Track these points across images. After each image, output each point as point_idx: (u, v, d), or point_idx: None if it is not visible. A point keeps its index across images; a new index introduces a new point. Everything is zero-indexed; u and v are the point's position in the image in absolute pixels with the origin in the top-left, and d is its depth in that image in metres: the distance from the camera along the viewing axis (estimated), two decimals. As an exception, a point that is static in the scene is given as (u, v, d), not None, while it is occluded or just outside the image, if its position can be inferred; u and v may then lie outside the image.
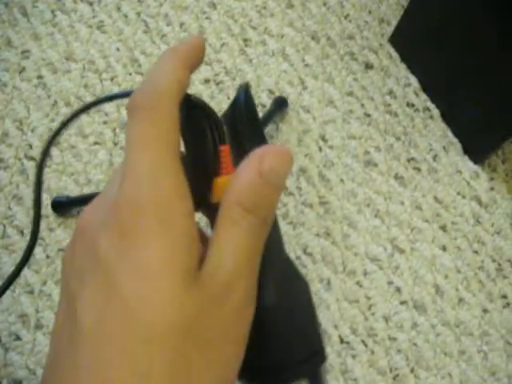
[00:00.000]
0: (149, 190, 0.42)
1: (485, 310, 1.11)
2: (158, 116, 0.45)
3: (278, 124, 1.18)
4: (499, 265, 1.14)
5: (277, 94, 1.21)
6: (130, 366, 0.39)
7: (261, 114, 1.15)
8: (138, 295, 0.40)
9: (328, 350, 1.05)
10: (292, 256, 1.10)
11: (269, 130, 1.17)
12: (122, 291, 0.40)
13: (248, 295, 0.46)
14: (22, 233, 1.07)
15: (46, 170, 1.11)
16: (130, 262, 0.40)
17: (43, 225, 1.07)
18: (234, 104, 0.62)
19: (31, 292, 1.03)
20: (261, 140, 0.63)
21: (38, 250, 1.06)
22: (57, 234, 1.07)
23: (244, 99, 0.62)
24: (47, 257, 1.06)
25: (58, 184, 1.10)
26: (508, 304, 1.12)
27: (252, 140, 0.60)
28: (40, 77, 1.18)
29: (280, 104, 1.18)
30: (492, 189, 1.19)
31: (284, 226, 1.12)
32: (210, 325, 0.42)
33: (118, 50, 1.21)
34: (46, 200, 1.09)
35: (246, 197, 0.45)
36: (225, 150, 0.52)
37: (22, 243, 1.06)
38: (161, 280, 0.41)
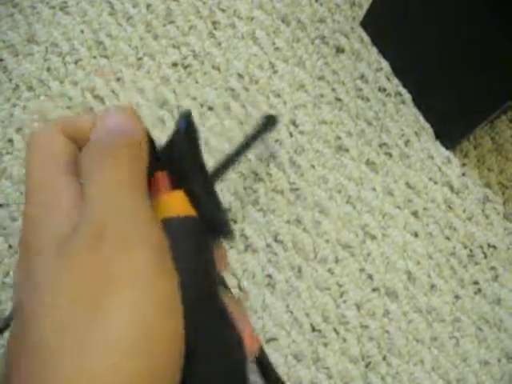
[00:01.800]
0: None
1: (456, 297, 1.10)
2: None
3: (268, 145, 1.15)
4: (471, 251, 1.13)
5: (246, 78, 1.19)
6: None
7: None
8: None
9: (299, 338, 1.04)
10: (262, 244, 1.08)
11: (257, 152, 1.14)
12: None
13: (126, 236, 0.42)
14: (-18, 222, 1.03)
15: (8, 157, 1.07)
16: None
17: (4, 213, 1.03)
18: (175, 137, 0.56)
19: (-7, 283, 1.00)
20: (203, 175, 0.57)
21: (-1, 240, 1.02)
22: (20, 223, 1.03)
23: (184, 134, 0.55)
24: (10, 247, 1.02)
25: (21, 171, 1.06)
26: (479, 290, 1.11)
27: (193, 176, 0.55)
28: (0, 59, 1.14)
29: (267, 124, 1.07)
30: (464, 174, 1.18)
31: (254, 213, 1.10)
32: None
33: (82, 32, 1.17)
34: (7, 188, 1.05)
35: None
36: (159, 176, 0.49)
37: (-18, 233, 1.02)
38: None
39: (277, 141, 1.15)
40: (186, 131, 0.52)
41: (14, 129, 1.09)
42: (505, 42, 0.99)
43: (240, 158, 0.98)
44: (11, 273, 1.00)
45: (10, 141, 1.08)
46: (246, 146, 1.00)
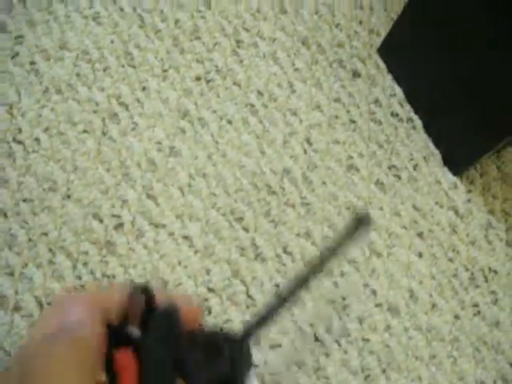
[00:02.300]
0: None
1: (456, 317, 1.14)
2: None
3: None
4: (472, 274, 1.17)
5: (265, 95, 1.24)
6: None
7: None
8: None
9: (302, 347, 1.07)
10: (272, 254, 1.12)
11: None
12: None
13: None
14: (5, 215, 1.07)
15: (34, 155, 1.12)
16: None
17: (27, 208, 1.08)
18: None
19: (11, 274, 1.04)
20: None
21: (20, 233, 1.06)
22: (41, 217, 1.08)
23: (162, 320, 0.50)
24: (29, 240, 1.06)
25: (45, 169, 1.11)
26: (479, 312, 1.15)
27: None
28: (33, 63, 1.19)
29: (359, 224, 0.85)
30: (469, 200, 1.23)
31: (265, 225, 1.14)
32: None
33: (112, 42, 1.23)
34: (31, 184, 1.10)
35: None
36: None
37: (4, 225, 1.06)
38: None
39: (291, 157, 1.19)
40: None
41: (42, 129, 1.14)
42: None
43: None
44: (30, 264, 1.04)
45: (37, 140, 1.13)
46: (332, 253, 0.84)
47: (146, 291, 0.49)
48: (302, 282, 0.77)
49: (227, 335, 0.53)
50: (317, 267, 0.78)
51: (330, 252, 0.78)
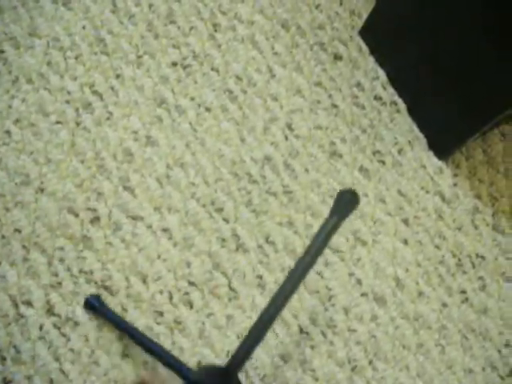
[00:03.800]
0: None
1: (444, 305, 1.12)
2: None
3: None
4: (459, 260, 1.15)
5: (244, 80, 1.20)
6: None
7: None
8: None
9: (287, 339, 1.05)
10: (254, 244, 1.09)
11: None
12: None
13: None
14: (-24, 211, 1.03)
15: (4, 148, 1.08)
16: None
17: (0, 204, 1.04)
18: None
19: (-16, 272, 1.00)
20: None
21: (-8, 230, 1.02)
22: (13, 213, 1.04)
23: None
24: (2, 237, 1.03)
25: (17, 162, 1.07)
26: (466, 299, 1.13)
27: None
28: (1, 51, 1.14)
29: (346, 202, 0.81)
30: (455, 185, 1.20)
31: (246, 215, 1.11)
32: None
33: (83, 28, 1.18)
34: (2, 178, 1.06)
35: None
36: None
37: (-24, 222, 1.03)
38: None
39: (272, 143, 1.16)
40: None
41: (12, 120, 1.10)
42: (499, 56, 1.01)
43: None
44: (3, 262, 1.01)
45: (8, 132, 1.09)
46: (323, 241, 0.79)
47: None
48: (286, 296, 0.77)
49: (211, 374, 0.54)
50: (304, 268, 0.78)
51: (319, 242, 0.78)
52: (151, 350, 0.96)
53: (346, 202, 0.80)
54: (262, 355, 1.03)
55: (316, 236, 0.78)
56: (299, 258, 0.77)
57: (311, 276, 1.08)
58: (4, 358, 0.97)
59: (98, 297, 1.01)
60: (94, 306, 1.00)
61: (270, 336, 1.04)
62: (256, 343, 0.73)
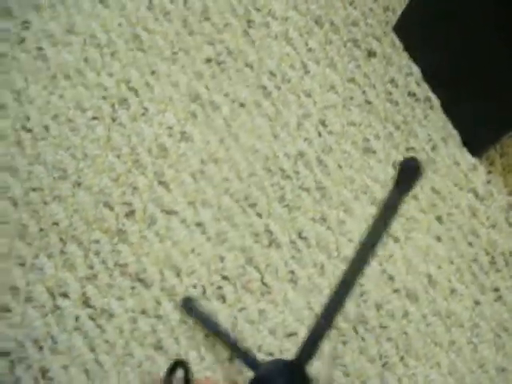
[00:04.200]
0: None
1: (476, 302, 1.11)
2: None
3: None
4: (493, 258, 1.14)
5: (278, 76, 1.20)
6: None
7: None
8: None
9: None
10: (286, 240, 1.09)
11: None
12: None
13: None
14: (15, 205, 1.06)
15: (43, 143, 1.10)
16: None
17: (37, 197, 1.06)
18: None
19: (22, 264, 1.02)
20: None
21: (31, 223, 1.05)
22: (51, 207, 1.06)
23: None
24: (40, 230, 1.05)
25: (55, 157, 1.09)
26: (500, 297, 1.12)
27: None
28: (40, 48, 1.16)
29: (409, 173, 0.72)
30: (489, 182, 1.19)
31: (279, 210, 1.11)
32: None
33: (120, 25, 1.20)
34: (41, 173, 1.08)
35: None
36: None
37: (15, 215, 1.05)
38: None
39: (306, 140, 1.16)
40: None
41: (50, 116, 1.12)
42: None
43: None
44: (41, 254, 1.03)
45: (46, 127, 1.11)
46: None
47: None
48: (351, 282, 0.75)
49: (279, 367, 0.56)
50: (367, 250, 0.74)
51: (382, 221, 0.71)
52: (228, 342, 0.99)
53: (411, 171, 0.70)
54: (293, 350, 1.03)
55: (381, 210, 0.71)
56: (364, 237, 0.72)
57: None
58: (41, 348, 0.99)
59: (191, 300, 1.03)
60: (190, 307, 1.03)
61: (302, 331, 1.05)
62: (322, 334, 0.73)
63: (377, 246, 0.72)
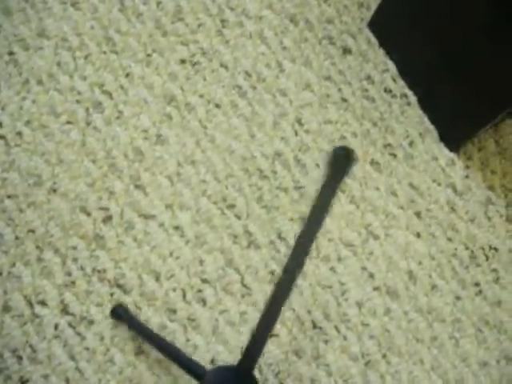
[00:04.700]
0: None
1: (457, 298, 1.11)
2: None
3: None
4: (472, 252, 1.14)
5: (253, 76, 1.20)
6: None
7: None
8: None
9: (300, 335, 1.05)
10: (266, 240, 1.09)
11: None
12: None
13: None
14: (-10, 213, 1.04)
15: (16, 150, 1.08)
16: None
17: (12, 205, 1.05)
18: None
19: (-1, 273, 1.01)
20: None
21: (6, 231, 1.03)
22: (27, 214, 1.05)
23: None
24: (16, 237, 1.03)
25: (29, 164, 1.08)
26: (480, 292, 1.12)
27: None
28: (11, 53, 1.15)
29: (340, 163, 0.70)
30: (467, 177, 1.19)
31: (258, 211, 1.11)
32: None
33: (92, 27, 1.19)
34: (15, 180, 1.06)
35: None
36: None
37: (-10, 223, 1.04)
38: None
39: (282, 139, 1.16)
40: None
41: (23, 122, 1.10)
42: (510, 47, 1.00)
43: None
44: (18, 263, 1.02)
45: (19, 133, 1.09)
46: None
47: None
48: (291, 279, 0.73)
49: (226, 374, 0.56)
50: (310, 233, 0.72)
51: (320, 205, 0.68)
52: (166, 351, 0.96)
53: (341, 161, 0.67)
54: (275, 351, 1.03)
55: (315, 204, 0.68)
56: (299, 232, 0.70)
57: (324, 271, 1.08)
58: (20, 358, 0.98)
59: (123, 307, 1.02)
60: (121, 316, 1.00)
61: (283, 332, 1.04)
62: (265, 337, 0.72)
63: (313, 242, 0.70)
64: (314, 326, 1.06)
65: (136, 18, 1.21)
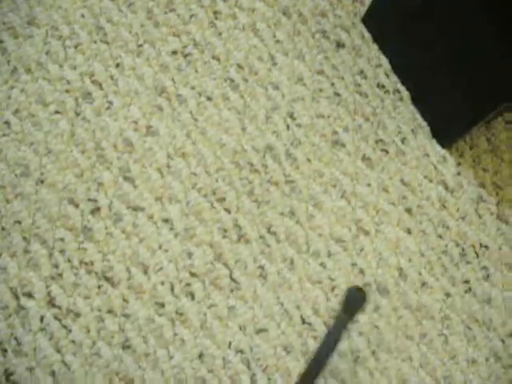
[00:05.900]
0: None
1: (447, 295, 1.11)
2: None
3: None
4: (463, 250, 1.14)
5: (245, 69, 1.19)
6: None
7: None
8: None
9: (289, 330, 1.04)
10: (255, 235, 1.08)
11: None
12: None
13: None
14: (-24, 203, 1.03)
15: (4, 139, 1.07)
16: None
17: (0, 196, 1.03)
18: None
19: (-15, 264, 1.00)
20: None
21: (-8, 221, 1.02)
22: (13, 205, 1.03)
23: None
24: (2, 229, 1.02)
25: (17, 154, 1.06)
26: (470, 289, 1.12)
27: None
28: (0, 41, 1.13)
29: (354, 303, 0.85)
30: (459, 174, 1.19)
31: (248, 205, 1.10)
32: None
33: (82, 16, 1.17)
34: (2, 170, 1.05)
35: None
36: None
37: (-24, 213, 1.02)
38: None
39: (274, 132, 1.15)
40: None
41: (11, 111, 1.09)
42: (503, 45, 0.99)
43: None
44: (3, 254, 1.00)
45: (7, 123, 1.08)
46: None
47: None
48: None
49: None
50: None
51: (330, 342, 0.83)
52: None
53: (355, 299, 0.84)
54: (264, 346, 1.02)
55: (327, 336, 0.82)
56: (310, 360, 0.83)
57: (313, 266, 1.08)
58: (5, 350, 0.96)
59: None
60: None
61: (272, 327, 1.03)
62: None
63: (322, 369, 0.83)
64: (303, 322, 1.05)
65: (127, 8, 1.19)
